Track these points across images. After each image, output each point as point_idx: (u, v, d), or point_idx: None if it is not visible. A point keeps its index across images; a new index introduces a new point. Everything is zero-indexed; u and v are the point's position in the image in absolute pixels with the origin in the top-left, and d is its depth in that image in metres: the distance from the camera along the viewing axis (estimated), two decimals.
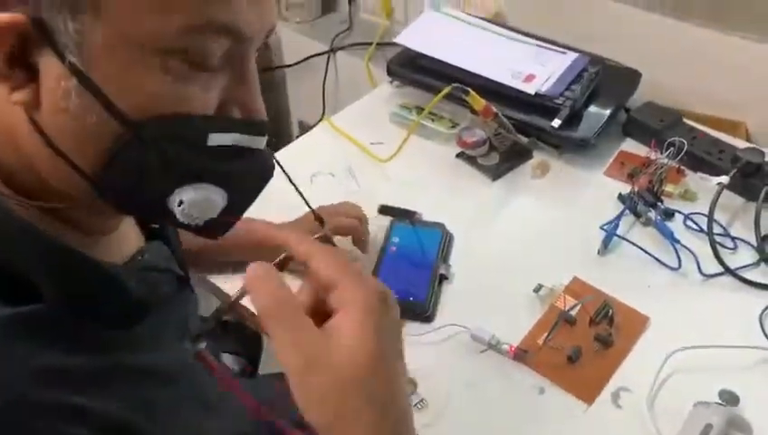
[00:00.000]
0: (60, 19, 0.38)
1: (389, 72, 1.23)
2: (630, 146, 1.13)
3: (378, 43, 1.56)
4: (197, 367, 0.46)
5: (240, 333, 0.96)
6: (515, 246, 0.97)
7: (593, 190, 1.07)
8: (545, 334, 0.84)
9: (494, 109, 1.02)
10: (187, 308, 0.65)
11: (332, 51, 1.65)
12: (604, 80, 1.16)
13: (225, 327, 0.95)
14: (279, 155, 1.13)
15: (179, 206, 0.46)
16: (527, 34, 1.24)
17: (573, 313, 0.86)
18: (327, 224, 0.57)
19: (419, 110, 1.17)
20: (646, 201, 1.01)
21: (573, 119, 1.09)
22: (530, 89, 1.11)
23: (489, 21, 1.27)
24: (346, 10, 1.73)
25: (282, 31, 1.77)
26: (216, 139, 0.45)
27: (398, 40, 1.22)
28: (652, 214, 0.99)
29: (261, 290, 0.42)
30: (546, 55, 1.17)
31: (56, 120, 0.42)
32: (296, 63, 1.75)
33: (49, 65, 0.40)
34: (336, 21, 1.74)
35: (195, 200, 0.46)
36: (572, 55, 1.17)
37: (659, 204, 1.01)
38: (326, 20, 1.77)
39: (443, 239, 0.96)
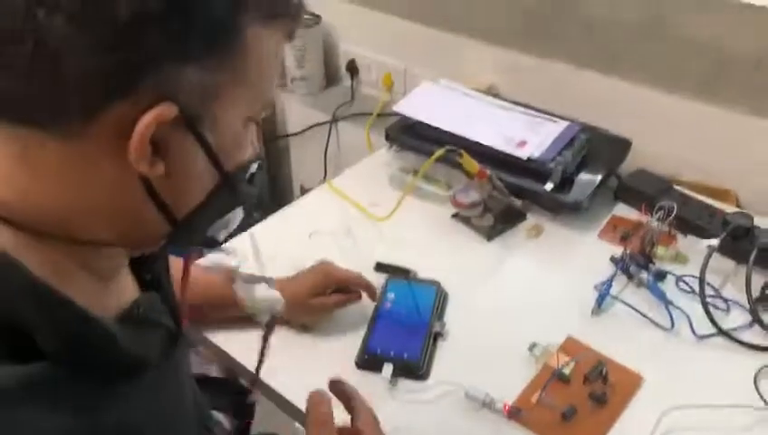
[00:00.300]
0: (201, 107, 0.46)
1: (387, 138, 1.27)
2: (622, 210, 1.16)
3: (378, 114, 1.62)
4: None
5: (225, 390, 0.96)
6: (510, 305, 0.98)
7: (587, 252, 1.08)
8: (539, 393, 0.84)
9: (488, 171, 1.05)
10: (181, 363, 0.66)
11: (335, 120, 1.71)
12: (595, 147, 1.19)
13: (209, 383, 0.95)
14: (280, 214, 1.18)
15: (224, 228, 0.57)
16: (520, 105, 1.29)
17: (567, 371, 0.86)
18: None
19: (416, 173, 1.20)
20: (638, 263, 1.02)
21: (565, 183, 1.12)
22: (522, 154, 1.14)
23: (483, 93, 1.33)
24: (348, 84, 1.80)
25: (287, 102, 1.84)
26: (253, 168, 0.56)
27: (396, 108, 1.27)
28: (644, 275, 1.00)
29: (316, 409, 0.66)
30: (538, 123, 1.21)
31: (176, 183, 0.48)
32: (300, 132, 1.81)
33: (181, 141, 0.47)
34: (339, 94, 1.80)
35: (236, 219, 0.57)
36: (564, 123, 1.21)
37: (651, 266, 1.02)
38: (329, 93, 1.83)
39: (438, 297, 0.97)
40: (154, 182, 0.48)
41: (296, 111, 1.83)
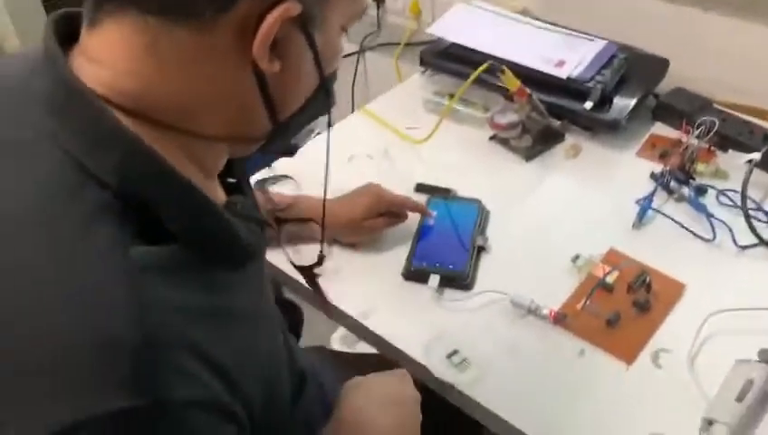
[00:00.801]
0: (316, 8, 0.48)
1: (422, 62, 1.26)
2: (660, 129, 1.15)
3: (406, 44, 1.60)
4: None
5: (280, 303, 0.99)
6: (551, 221, 1.00)
7: (626, 170, 1.09)
8: (584, 300, 0.86)
9: (527, 90, 1.04)
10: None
11: (361, 51, 1.70)
12: (633, 67, 1.18)
13: None
14: (314, 140, 1.18)
15: (308, 134, 0.56)
16: (556, 25, 1.27)
17: (611, 280, 0.88)
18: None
19: (453, 96, 1.20)
20: (678, 179, 1.03)
21: (604, 102, 1.12)
22: (561, 73, 1.13)
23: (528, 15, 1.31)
24: (374, 13, 1.77)
25: None
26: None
27: (430, 30, 1.26)
28: (685, 190, 1.01)
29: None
30: (575, 43, 1.20)
31: (286, 83, 0.50)
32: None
33: (296, 41, 0.49)
34: (364, 23, 1.78)
35: (318, 126, 0.57)
36: (601, 42, 1.19)
37: (692, 181, 1.03)
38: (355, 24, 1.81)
39: (480, 213, 0.98)
40: (267, 79, 0.49)
41: None
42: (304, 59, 0.51)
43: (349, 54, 1.72)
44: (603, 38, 1.22)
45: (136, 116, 0.47)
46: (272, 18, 0.45)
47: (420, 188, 1.04)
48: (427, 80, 1.28)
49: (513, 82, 1.02)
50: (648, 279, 0.88)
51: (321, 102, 0.56)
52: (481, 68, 1.00)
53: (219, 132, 0.51)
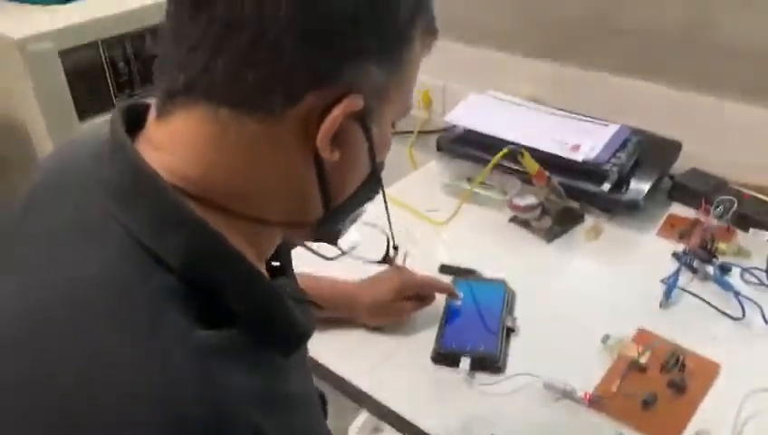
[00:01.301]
0: (374, 104, 0.50)
1: (439, 148, 1.30)
2: (678, 210, 1.17)
3: (419, 132, 1.65)
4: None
5: None
6: (578, 301, 0.99)
7: (647, 250, 1.09)
8: (618, 381, 0.84)
9: (547, 173, 1.07)
10: None
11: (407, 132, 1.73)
12: (646, 149, 1.21)
13: None
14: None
15: (352, 222, 0.59)
16: (567, 111, 1.31)
17: (644, 360, 0.87)
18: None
19: (470, 180, 1.23)
20: (701, 258, 1.03)
21: (621, 184, 1.14)
22: (577, 157, 1.16)
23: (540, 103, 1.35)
24: None
25: None
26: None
27: (446, 118, 1.30)
28: (709, 269, 1.01)
29: None
30: (588, 127, 1.24)
31: (342, 172, 0.52)
32: None
33: (355, 134, 0.51)
34: None
35: (363, 214, 0.60)
36: (614, 126, 1.23)
37: (715, 260, 1.03)
38: None
39: (506, 294, 0.98)
40: (326, 167, 0.51)
41: None
42: (361, 150, 0.53)
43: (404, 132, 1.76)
44: (615, 123, 1.25)
45: (200, 201, 0.47)
46: (337, 111, 0.47)
47: (444, 269, 1.04)
48: (444, 165, 1.31)
49: (533, 166, 1.04)
50: (681, 358, 0.87)
51: (369, 190, 0.58)
52: (502, 152, 1.03)
53: (278, 218, 0.52)
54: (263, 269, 0.56)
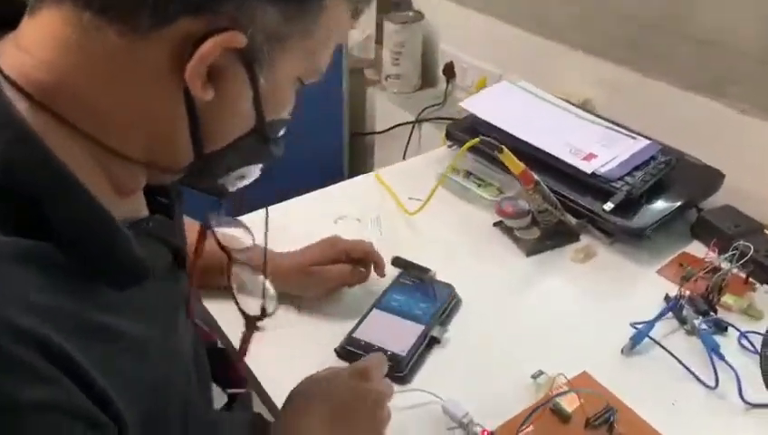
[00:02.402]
0: (265, 48, 0.47)
1: (447, 136, 1.19)
2: (696, 249, 0.99)
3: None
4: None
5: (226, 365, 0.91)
6: (530, 326, 0.86)
7: (639, 287, 0.94)
8: (529, 427, 0.71)
9: (536, 176, 0.93)
10: (181, 289, 0.62)
11: (418, 122, 1.65)
12: (680, 174, 1.04)
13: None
14: (318, 194, 1.12)
15: (237, 178, 0.56)
16: (604, 119, 1.15)
17: (569, 408, 0.73)
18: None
19: (467, 174, 1.11)
20: (697, 308, 0.86)
21: (630, 206, 0.98)
22: (587, 168, 1.01)
23: (567, 101, 1.20)
24: (444, 88, 1.73)
25: (378, 99, 1.80)
26: (282, 131, 0.57)
27: (462, 104, 1.18)
28: (698, 322, 0.84)
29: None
30: (614, 138, 1.08)
31: (217, 115, 0.49)
32: (385, 131, 1.77)
33: (237, 76, 0.48)
34: (431, 96, 1.74)
35: (252, 175, 0.57)
36: (643, 142, 1.06)
37: (712, 314, 0.86)
38: (423, 94, 1.77)
39: (447, 301, 0.87)
40: (198, 105, 0.48)
41: (386, 109, 1.78)
42: (242, 96, 0.49)
43: (405, 123, 1.68)
44: (649, 138, 1.08)
45: (47, 112, 0.45)
46: (212, 42, 0.44)
47: (396, 261, 0.94)
48: (448, 154, 1.19)
49: (515, 165, 0.91)
50: (613, 418, 0.72)
51: (256, 149, 0.54)
52: (470, 142, 0.90)
53: (139, 155, 0.49)
54: (125, 201, 0.52)
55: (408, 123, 1.67)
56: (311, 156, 1.74)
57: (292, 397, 0.67)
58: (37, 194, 0.43)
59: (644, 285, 0.93)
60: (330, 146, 1.82)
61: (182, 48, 0.44)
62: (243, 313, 0.67)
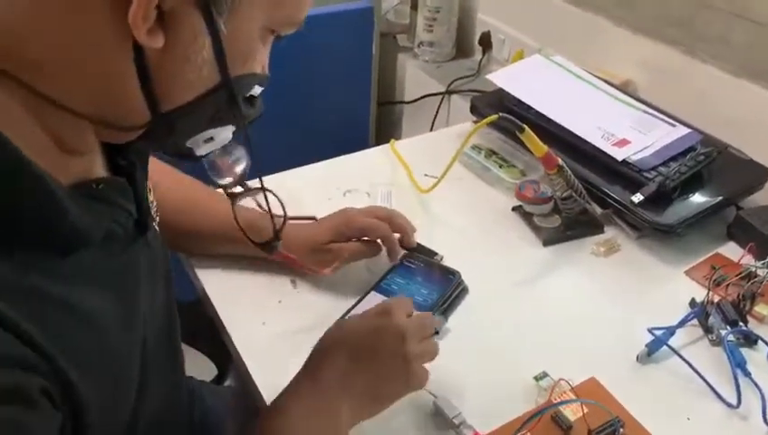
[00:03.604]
0: None
1: (472, 109, 1.11)
2: (731, 251, 0.91)
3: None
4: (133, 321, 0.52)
5: (214, 340, 0.87)
6: (539, 322, 0.80)
7: (663, 289, 0.86)
8: (522, 431, 0.66)
9: (559, 160, 0.86)
10: (150, 255, 0.58)
11: (448, 93, 1.57)
12: (721, 168, 0.95)
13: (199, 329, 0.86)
14: (330, 163, 1.06)
15: (206, 141, 0.52)
16: (643, 102, 1.06)
17: (572, 417, 0.67)
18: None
19: (490, 153, 1.04)
20: (726, 316, 0.79)
21: (662, 200, 0.90)
22: (618, 154, 0.93)
23: (605, 81, 1.12)
24: (479, 58, 1.64)
25: (408, 67, 1.73)
26: (256, 90, 0.53)
27: (490, 76, 1.11)
28: (725, 333, 0.77)
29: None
30: (651, 123, 0.99)
31: (171, 66, 0.45)
32: (414, 101, 1.69)
33: (191, 20, 0.43)
34: (465, 67, 1.66)
35: (223, 138, 0.53)
36: (683, 130, 0.98)
37: (742, 325, 0.78)
38: (456, 64, 1.69)
39: (451, 288, 0.81)
40: (148, 55, 0.44)
41: (416, 78, 1.70)
42: (199, 44, 0.45)
43: (435, 94, 1.60)
44: (693, 127, 0.99)
45: None
46: None
47: (402, 241, 0.88)
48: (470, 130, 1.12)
49: (538, 147, 0.84)
50: (619, 431, 0.66)
51: (223, 108, 0.50)
52: (488, 119, 0.83)
53: (85, 109, 0.45)
54: (72, 161, 0.48)
55: (437, 94, 1.59)
56: (335, 123, 1.69)
57: (318, 345, 0.63)
58: None
59: (669, 287, 0.86)
60: (355, 114, 1.76)
61: None
62: (254, 242, 0.65)
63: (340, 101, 1.68)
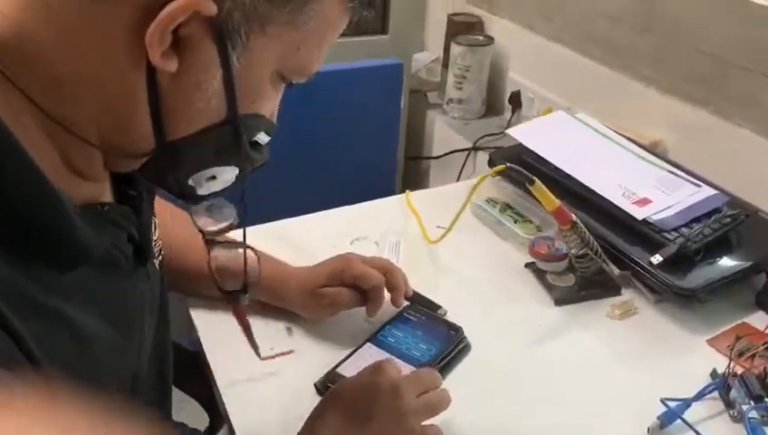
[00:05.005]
0: (242, 27, 0.44)
1: (490, 163, 1.09)
2: (760, 321, 0.84)
3: None
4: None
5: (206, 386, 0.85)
6: (544, 387, 0.75)
7: (682, 357, 0.80)
8: None
9: (573, 216, 0.82)
10: (145, 289, 0.58)
11: (474, 149, 1.55)
12: (750, 233, 0.90)
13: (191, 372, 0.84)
14: (339, 211, 1.04)
15: (208, 180, 0.51)
16: (670, 162, 1.03)
17: None
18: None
19: (505, 207, 1.01)
20: (749, 390, 0.72)
21: (683, 262, 0.85)
22: (638, 213, 0.89)
23: (631, 140, 1.08)
24: (508, 117, 1.63)
25: (437, 123, 1.72)
26: (261, 137, 0.53)
27: (509, 131, 1.09)
28: (748, 408, 0.70)
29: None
30: (675, 183, 0.95)
31: (181, 93, 0.45)
32: (440, 156, 1.68)
33: (206, 50, 0.44)
34: (494, 124, 1.64)
35: (226, 178, 0.52)
36: (708, 191, 0.93)
37: (767, 400, 0.72)
38: (485, 122, 1.68)
39: (451, 345, 0.77)
40: (160, 81, 0.44)
41: (445, 135, 1.70)
42: (210, 74, 0.45)
43: (462, 150, 1.59)
44: (717, 188, 0.95)
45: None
46: (177, 4, 0.40)
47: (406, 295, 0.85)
48: (494, 184, 1.09)
49: (549, 201, 0.81)
50: None
51: (228, 146, 0.50)
52: (496, 168, 0.80)
53: (88, 128, 0.46)
54: (83, 185, 0.49)
55: (463, 150, 1.58)
56: (361, 175, 1.68)
57: (316, 406, 0.62)
58: None
59: (688, 356, 0.80)
60: (382, 167, 1.75)
61: (148, 12, 0.41)
62: (222, 290, 0.64)
63: (367, 153, 1.68)
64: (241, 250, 0.63)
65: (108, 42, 0.43)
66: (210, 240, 0.63)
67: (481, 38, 1.64)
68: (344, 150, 1.63)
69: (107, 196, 0.53)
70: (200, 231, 0.60)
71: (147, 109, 0.46)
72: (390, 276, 0.79)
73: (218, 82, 0.46)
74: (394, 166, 1.75)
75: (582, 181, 0.94)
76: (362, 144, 1.66)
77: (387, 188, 1.77)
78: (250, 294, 0.64)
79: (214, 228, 0.61)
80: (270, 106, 0.53)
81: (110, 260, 0.51)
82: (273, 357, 0.76)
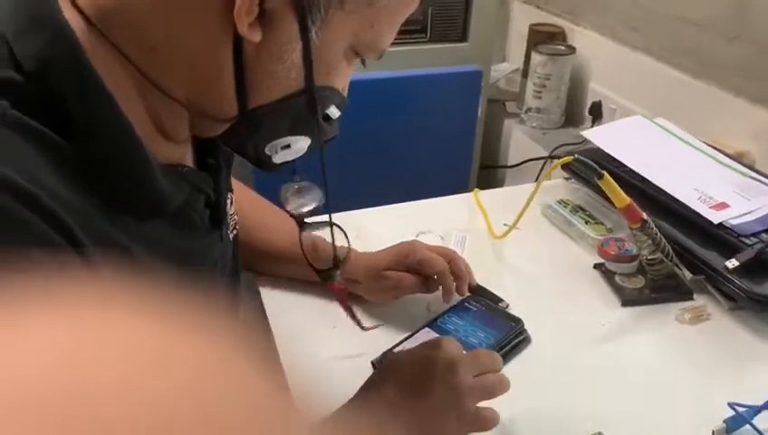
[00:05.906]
0: (322, 2, 0.47)
1: (563, 166, 1.07)
2: None
3: None
4: None
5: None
6: (603, 385, 0.73)
7: (753, 365, 0.76)
8: None
9: (644, 214, 0.80)
10: (219, 251, 0.61)
11: (550, 158, 1.53)
12: None
13: None
14: (408, 206, 1.05)
15: (283, 148, 0.55)
16: (755, 170, 0.98)
17: None
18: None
19: (576, 208, 0.99)
20: None
21: (763, 268, 0.81)
22: (714, 217, 0.86)
23: (713, 148, 1.05)
24: (588, 127, 1.61)
25: (513, 132, 1.72)
26: (332, 110, 0.56)
27: (584, 132, 1.07)
28: None
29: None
30: (757, 189, 0.91)
31: (264, 63, 0.49)
32: (514, 165, 1.67)
33: (288, 23, 0.48)
34: (572, 135, 1.62)
35: (299, 147, 0.55)
36: None
37: None
38: (563, 132, 1.66)
39: (510, 336, 0.76)
40: (245, 49, 0.48)
41: (522, 144, 1.69)
42: (291, 46, 0.48)
43: (537, 158, 1.57)
44: None
45: (99, 35, 0.46)
46: None
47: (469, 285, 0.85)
48: (566, 186, 1.08)
49: (619, 197, 0.79)
50: None
51: (303, 116, 0.53)
52: (563, 160, 0.80)
53: (178, 90, 0.49)
54: (165, 145, 0.52)
55: (539, 159, 1.56)
56: (434, 181, 1.68)
57: (370, 377, 0.62)
58: (70, 101, 0.43)
59: (761, 364, 0.76)
60: (455, 173, 1.76)
61: None
62: (315, 269, 0.67)
63: (443, 158, 1.69)
64: (328, 230, 0.66)
65: (201, 11, 0.46)
66: (301, 222, 0.67)
67: (562, 47, 1.62)
68: (420, 154, 1.65)
69: (188, 160, 0.57)
70: (290, 214, 0.64)
71: (232, 76, 0.49)
72: (454, 265, 0.80)
73: (297, 55, 0.49)
74: (468, 173, 1.76)
75: (657, 184, 0.92)
76: (438, 149, 1.68)
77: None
78: (341, 271, 0.67)
79: (304, 210, 0.64)
80: (343, 80, 0.55)
81: (186, 219, 0.54)
82: (375, 327, 0.79)
